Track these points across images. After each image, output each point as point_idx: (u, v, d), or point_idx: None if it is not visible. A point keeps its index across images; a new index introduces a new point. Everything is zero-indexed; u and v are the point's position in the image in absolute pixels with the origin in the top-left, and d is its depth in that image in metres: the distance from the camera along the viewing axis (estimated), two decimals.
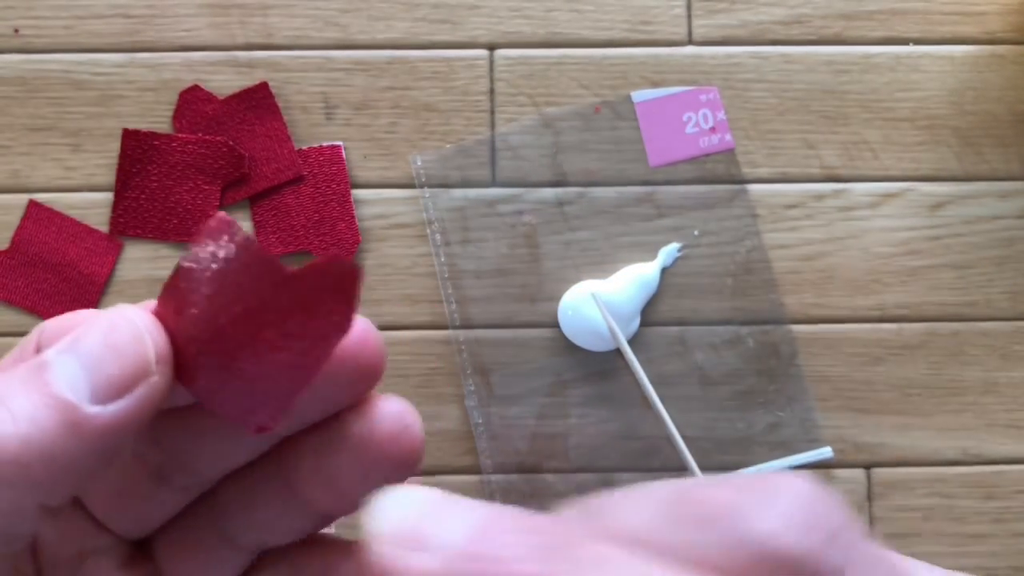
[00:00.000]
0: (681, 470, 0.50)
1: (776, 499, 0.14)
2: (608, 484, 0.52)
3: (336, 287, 0.18)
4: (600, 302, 0.50)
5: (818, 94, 0.53)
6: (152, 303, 0.19)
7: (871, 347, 0.52)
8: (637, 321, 0.51)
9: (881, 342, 0.52)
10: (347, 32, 0.53)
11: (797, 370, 0.52)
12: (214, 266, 0.18)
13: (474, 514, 0.14)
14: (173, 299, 0.18)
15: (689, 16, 0.53)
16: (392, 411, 0.20)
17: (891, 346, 0.52)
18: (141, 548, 0.21)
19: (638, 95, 0.53)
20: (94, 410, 0.17)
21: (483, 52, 0.53)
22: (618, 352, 0.51)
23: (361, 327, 0.19)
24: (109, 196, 0.52)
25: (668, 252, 0.52)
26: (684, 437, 0.50)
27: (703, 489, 0.14)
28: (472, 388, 0.51)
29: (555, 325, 0.52)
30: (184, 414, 0.20)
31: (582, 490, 0.51)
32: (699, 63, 0.53)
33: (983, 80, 0.53)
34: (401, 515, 0.15)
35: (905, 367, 0.52)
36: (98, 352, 0.17)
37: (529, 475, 0.51)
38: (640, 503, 0.15)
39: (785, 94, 0.53)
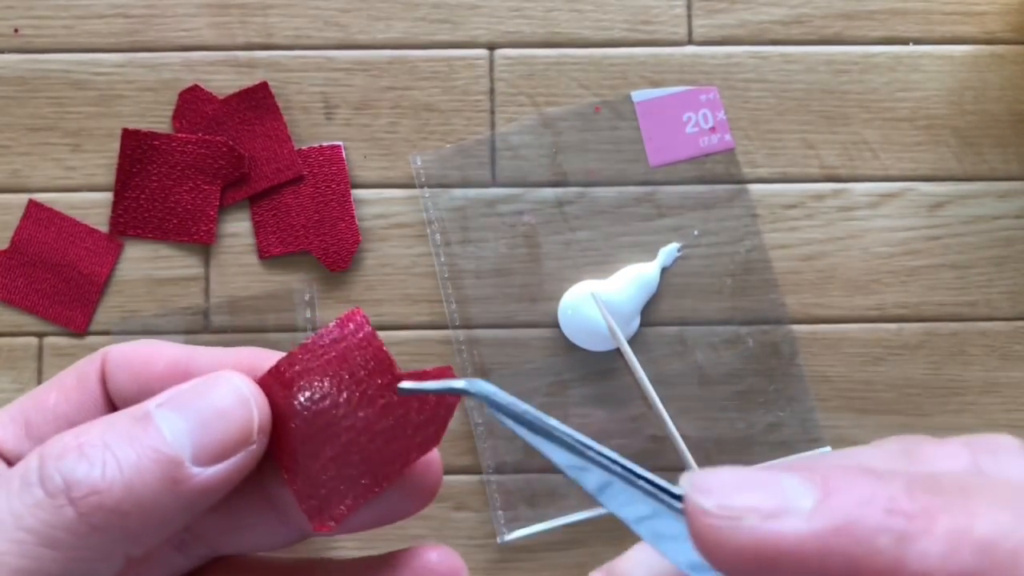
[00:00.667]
0: (681, 470, 0.50)
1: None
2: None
3: (436, 401, 0.19)
4: (600, 302, 0.50)
5: (818, 94, 0.53)
6: (253, 356, 0.20)
7: (871, 347, 0.52)
8: (637, 321, 0.51)
9: (881, 342, 0.52)
10: (347, 32, 0.53)
11: (797, 370, 0.52)
12: (333, 353, 0.19)
13: (803, 477, 0.14)
14: (286, 372, 0.19)
15: (689, 16, 0.53)
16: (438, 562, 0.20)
17: (891, 346, 0.52)
18: None
19: (638, 95, 0.53)
20: (195, 470, 0.18)
21: (483, 52, 0.53)
22: (618, 352, 0.51)
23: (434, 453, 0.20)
24: (109, 196, 0.52)
25: (668, 252, 0.52)
26: (684, 437, 0.50)
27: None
28: None
29: (555, 325, 0.52)
30: (229, 505, 0.20)
31: (583, 491, 0.51)
32: (699, 63, 0.53)
33: (983, 80, 0.53)
34: (721, 489, 0.15)
35: (905, 367, 0.52)
36: (205, 415, 0.18)
37: (529, 475, 0.51)
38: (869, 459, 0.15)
39: (785, 94, 0.53)
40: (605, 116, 0.53)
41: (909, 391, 0.52)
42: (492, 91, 0.53)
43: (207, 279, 0.52)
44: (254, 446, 0.18)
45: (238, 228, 0.52)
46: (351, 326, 0.19)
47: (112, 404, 0.21)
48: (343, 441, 0.19)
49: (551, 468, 0.51)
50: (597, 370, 0.52)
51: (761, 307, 0.52)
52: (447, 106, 0.53)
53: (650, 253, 0.52)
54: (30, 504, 0.17)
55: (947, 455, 0.16)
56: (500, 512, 0.51)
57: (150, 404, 0.18)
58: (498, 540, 0.51)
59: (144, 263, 0.52)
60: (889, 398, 0.52)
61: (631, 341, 0.51)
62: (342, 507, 0.19)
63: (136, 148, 0.52)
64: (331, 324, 0.19)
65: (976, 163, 0.53)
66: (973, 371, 0.52)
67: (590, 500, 0.51)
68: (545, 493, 0.51)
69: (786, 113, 0.53)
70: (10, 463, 0.20)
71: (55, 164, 0.52)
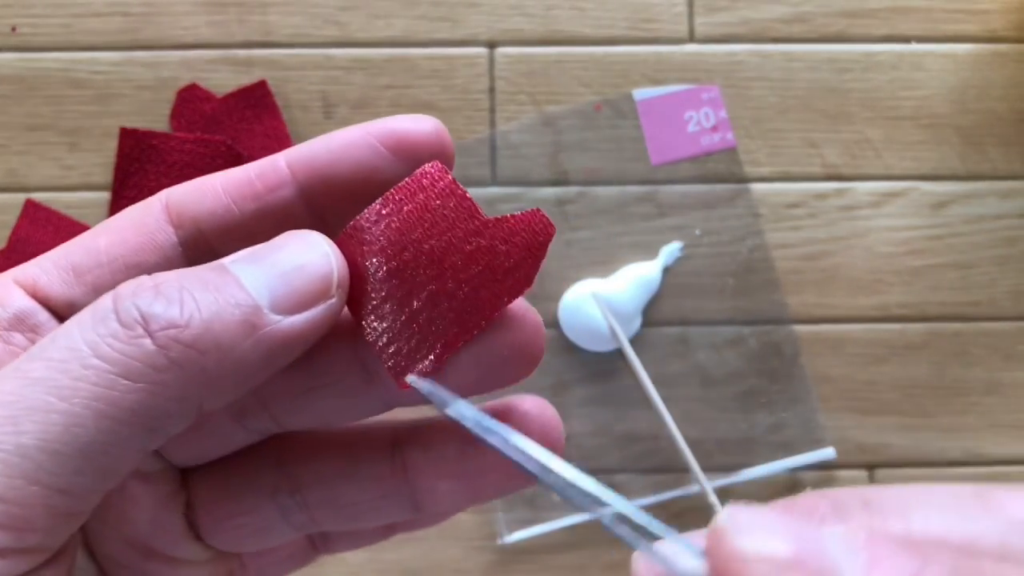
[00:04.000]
0: (683, 471, 0.50)
1: None
2: (609, 486, 0.51)
3: (526, 243, 0.18)
4: (601, 302, 0.50)
5: (820, 92, 0.53)
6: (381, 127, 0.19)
7: (874, 347, 0.52)
8: (639, 321, 0.51)
9: (884, 342, 0.52)
10: (346, 30, 0.53)
11: (799, 370, 0.51)
12: (412, 204, 0.18)
13: (849, 541, 0.14)
14: (361, 229, 0.19)
15: (691, 14, 0.53)
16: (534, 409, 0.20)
17: (894, 346, 0.52)
18: (186, 480, 0.21)
19: (639, 93, 0.52)
20: (274, 317, 0.17)
21: (483, 50, 0.53)
22: (619, 352, 0.50)
23: (531, 317, 0.19)
24: (107, 195, 0.52)
25: (669, 251, 0.51)
26: (686, 438, 0.50)
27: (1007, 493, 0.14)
28: None
29: (555, 325, 0.51)
30: (296, 368, 0.19)
31: (584, 491, 0.51)
32: (701, 61, 0.53)
33: (985, 78, 0.53)
34: (762, 532, 0.14)
35: (908, 367, 0.52)
36: (283, 267, 0.17)
37: None
38: (935, 501, 0.14)
39: (787, 92, 0.53)
40: (606, 115, 0.52)
41: (912, 391, 0.52)
42: (492, 89, 0.53)
43: None
44: (333, 300, 0.18)
45: None
46: (429, 178, 0.18)
47: (184, 243, 0.19)
48: (429, 292, 0.18)
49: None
50: (598, 371, 0.51)
51: (763, 307, 0.52)
52: (447, 104, 0.52)
53: (651, 252, 0.52)
54: (105, 334, 0.16)
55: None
56: (501, 514, 0.51)
57: (224, 260, 0.18)
58: (499, 542, 0.51)
59: None
60: (892, 399, 0.52)
61: (632, 341, 0.51)
62: (430, 359, 0.19)
63: (134, 147, 0.52)
64: (407, 178, 0.19)
65: (979, 162, 0.53)
66: (976, 371, 0.52)
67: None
68: (546, 495, 0.51)
69: (788, 112, 0.53)
70: (56, 313, 0.19)
71: (52, 163, 0.52)
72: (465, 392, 0.19)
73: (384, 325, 0.19)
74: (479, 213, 0.18)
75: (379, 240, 0.18)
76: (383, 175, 0.19)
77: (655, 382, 0.50)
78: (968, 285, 0.52)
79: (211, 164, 0.51)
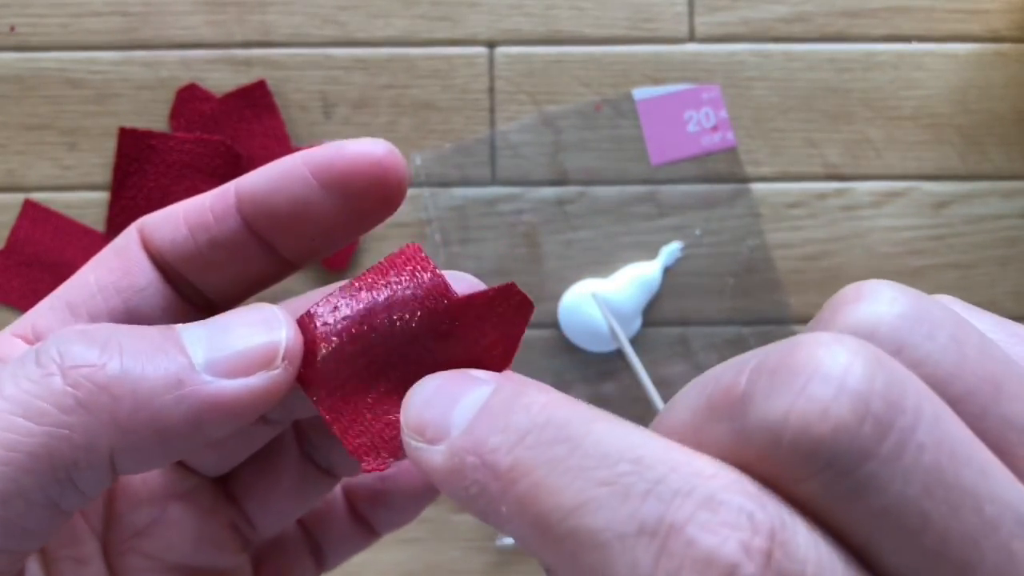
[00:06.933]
0: None
1: (791, 379, 0.12)
2: None
3: (504, 320, 0.17)
4: (601, 302, 0.50)
5: (821, 92, 0.53)
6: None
7: None
8: (639, 321, 0.51)
9: None
10: (346, 29, 0.53)
11: None
12: (380, 286, 0.17)
13: (481, 396, 0.14)
14: (329, 308, 0.17)
15: (691, 13, 0.53)
16: None
17: None
18: (223, 486, 0.21)
19: (639, 93, 0.52)
20: (205, 377, 0.16)
21: (483, 50, 0.53)
22: (619, 353, 0.50)
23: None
24: (105, 195, 0.52)
25: (670, 251, 0.51)
26: None
27: (725, 373, 0.13)
28: None
29: (555, 325, 0.51)
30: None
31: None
32: (701, 61, 0.53)
33: (986, 78, 0.53)
34: (425, 401, 0.15)
35: None
36: (228, 328, 0.17)
37: None
38: (686, 395, 0.14)
39: (787, 92, 0.53)
40: (606, 114, 0.52)
41: None
42: (492, 89, 0.52)
43: None
44: (277, 371, 0.16)
45: None
46: (402, 257, 0.18)
47: (160, 269, 0.19)
48: (397, 375, 0.17)
49: None
50: (598, 371, 0.51)
51: (764, 307, 0.52)
52: (447, 104, 0.52)
53: (651, 252, 0.52)
54: (19, 375, 0.15)
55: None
56: None
57: (175, 325, 0.17)
58: (498, 543, 0.50)
59: None
60: None
61: (632, 341, 0.51)
62: (390, 453, 0.17)
63: (133, 147, 0.51)
64: (383, 259, 0.18)
65: (980, 162, 0.53)
66: None
67: None
68: None
69: (789, 111, 0.53)
70: None
71: (51, 163, 0.52)
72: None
73: (347, 408, 0.17)
74: (451, 292, 0.17)
75: (344, 322, 0.17)
76: (316, 208, 0.18)
77: (655, 382, 0.50)
78: (969, 285, 0.52)
79: (210, 164, 0.51)
